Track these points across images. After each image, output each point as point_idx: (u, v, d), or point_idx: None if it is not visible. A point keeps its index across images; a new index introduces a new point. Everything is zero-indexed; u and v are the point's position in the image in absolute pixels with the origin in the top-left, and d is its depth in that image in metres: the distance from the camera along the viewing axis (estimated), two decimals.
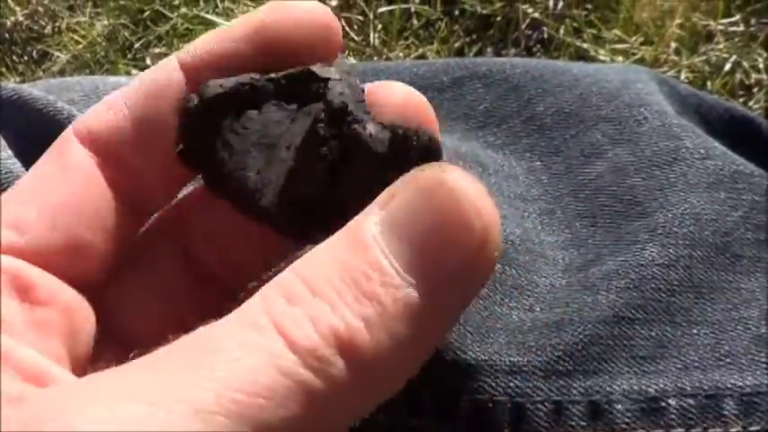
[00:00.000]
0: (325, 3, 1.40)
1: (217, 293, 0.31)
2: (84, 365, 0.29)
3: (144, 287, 0.32)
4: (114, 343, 0.31)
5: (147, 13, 1.50)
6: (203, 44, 0.31)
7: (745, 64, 1.20)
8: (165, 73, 0.31)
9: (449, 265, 0.23)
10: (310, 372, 0.22)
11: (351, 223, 0.25)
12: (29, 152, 0.42)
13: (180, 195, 0.34)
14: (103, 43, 1.50)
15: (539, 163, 0.46)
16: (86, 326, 0.30)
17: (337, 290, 0.23)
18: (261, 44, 0.31)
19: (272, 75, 0.30)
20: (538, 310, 0.39)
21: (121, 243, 0.31)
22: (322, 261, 0.24)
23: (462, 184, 0.24)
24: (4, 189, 0.40)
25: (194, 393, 0.21)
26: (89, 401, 0.22)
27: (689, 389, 0.37)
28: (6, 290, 0.28)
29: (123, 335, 0.31)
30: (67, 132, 0.31)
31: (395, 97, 0.31)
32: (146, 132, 0.30)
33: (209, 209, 0.32)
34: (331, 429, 0.23)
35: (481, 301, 0.39)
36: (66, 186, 0.30)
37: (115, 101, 0.31)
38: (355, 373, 0.22)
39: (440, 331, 0.24)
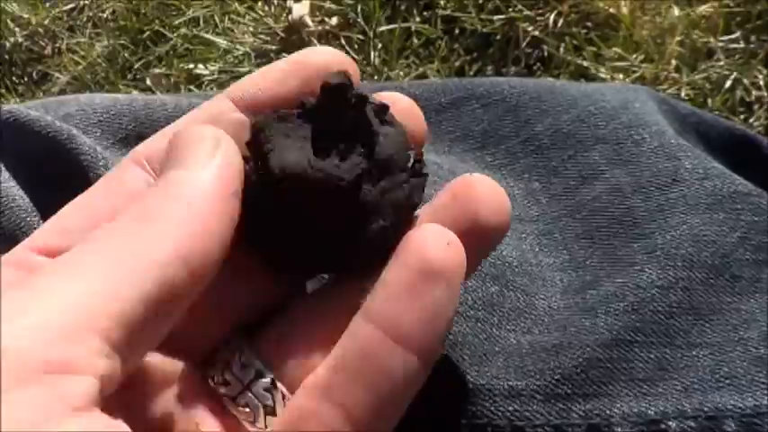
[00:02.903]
0: (324, 22, 1.41)
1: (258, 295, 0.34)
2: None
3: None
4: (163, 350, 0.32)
5: (146, 33, 1.50)
6: (251, 82, 0.34)
7: (746, 81, 1.20)
8: (217, 106, 0.33)
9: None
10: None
11: None
12: (28, 175, 0.42)
13: None
14: (103, 64, 1.50)
15: (537, 184, 0.46)
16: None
17: None
18: (300, 84, 0.33)
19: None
20: (536, 332, 0.39)
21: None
22: None
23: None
24: (4, 213, 0.40)
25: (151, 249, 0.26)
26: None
27: (689, 411, 0.37)
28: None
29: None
30: (125, 160, 0.33)
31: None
32: None
33: None
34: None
35: (479, 325, 0.39)
36: (115, 198, 0.32)
37: (170, 130, 0.32)
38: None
39: None
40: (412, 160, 0.32)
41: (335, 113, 0.31)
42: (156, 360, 0.31)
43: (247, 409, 0.31)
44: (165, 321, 0.27)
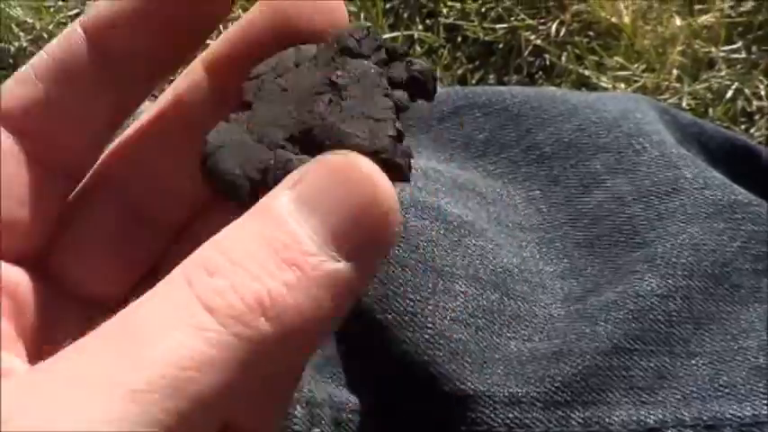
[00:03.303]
0: None
1: (156, 230, 0.32)
2: (37, 337, 0.30)
3: (90, 242, 0.32)
4: (76, 302, 0.31)
5: None
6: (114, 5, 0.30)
7: (747, 91, 1.20)
8: (67, 37, 0.30)
9: (361, 237, 0.25)
10: (236, 339, 0.23)
11: (261, 201, 0.25)
12: None
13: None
14: None
15: (538, 192, 0.46)
16: (31, 299, 0.30)
17: (257, 259, 0.24)
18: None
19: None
20: (536, 340, 0.39)
21: (55, 210, 0.31)
22: (239, 235, 0.25)
23: (372, 167, 0.25)
24: None
25: (127, 375, 0.22)
26: (29, 398, 0.22)
27: (688, 419, 0.37)
28: None
29: (82, 293, 0.31)
30: None
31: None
32: (53, 98, 0.30)
33: (135, 147, 0.32)
34: (256, 385, 0.24)
35: (479, 332, 0.39)
36: None
37: (25, 75, 0.30)
38: (278, 332, 0.23)
39: (354, 295, 0.25)
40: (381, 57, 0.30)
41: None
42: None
43: None
44: None
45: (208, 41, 0.32)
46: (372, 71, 0.29)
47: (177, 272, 0.24)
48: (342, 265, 0.24)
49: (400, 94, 0.29)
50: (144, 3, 0.29)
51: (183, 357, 0.22)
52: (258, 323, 0.23)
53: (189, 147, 0.30)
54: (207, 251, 0.24)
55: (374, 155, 0.27)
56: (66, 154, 0.30)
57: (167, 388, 0.22)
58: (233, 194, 0.28)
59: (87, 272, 0.31)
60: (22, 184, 0.29)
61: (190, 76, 0.32)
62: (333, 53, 0.29)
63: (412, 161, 0.28)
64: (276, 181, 0.27)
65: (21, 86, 0.30)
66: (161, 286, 0.24)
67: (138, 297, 0.25)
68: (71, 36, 0.30)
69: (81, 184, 0.32)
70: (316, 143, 0.28)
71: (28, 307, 0.30)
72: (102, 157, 0.32)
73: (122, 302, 0.30)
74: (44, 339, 0.29)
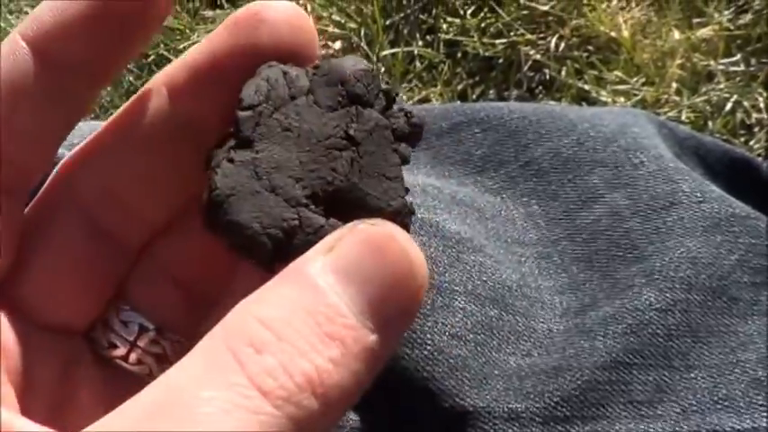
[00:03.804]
0: (328, 46, 1.41)
1: (119, 252, 0.31)
2: (15, 369, 0.29)
3: (51, 263, 0.30)
4: (44, 330, 0.30)
5: (151, 57, 1.51)
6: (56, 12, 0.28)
7: (746, 104, 1.20)
8: (11, 50, 0.28)
9: (396, 311, 0.25)
10: (288, 420, 0.23)
11: (296, 267, 0.25)
12: (29, 199, 0.42)
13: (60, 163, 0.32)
14: (108, 88, 1.51)
15: (536, 207, 0.46)
16: (9, 336, 0.29)
17: (302, 334, 0.24)
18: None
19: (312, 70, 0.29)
20: (536, 355, 0.39)
21: (16, 235, 0.30)
22: (278, 304, 0.24)
23: (408, 240, 0.25)
24: None
25: None
26: None
27: None
28: None
29: (48, 318, 0.30)
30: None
31: (280, 15, 0.30)
32: (7, 120, 0.28)
33: (95, 168, 0.31)
34: None
35: (479, 348, 0.39)
36: None
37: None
38: (324, 407, 0.23)
39: (383, 364, 0.25)
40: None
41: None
42: (43, 341, 0.30)
43: (142, 366, 0.31)
44: None
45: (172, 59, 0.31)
46: (381, 124, 0.28)
47: (221, 345, 0.24)
48: (377, 337, 0.24)
49: (404, 148, 0.29)
50: (86, 7, 0.28)
51: None
52: (308, 402, 0.23)
53: (147, 165, 0.30)
54: (250, 324, 0.24)
55: (393, 217, 0.27)
56: (18, 173, 0.29)
57: None
58: (254, 253, 0.27)
59: (52, 298, 0.31)
60: None
61: (150, 92, 0.31)
62: (338, 96, 0.28)
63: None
64: (306, 246, 0.26)
65: None
66: (208, 359, 0.24)
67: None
68: (14, 48, 0.28)
69: (38, 202, 0.31)
70: (342, 205, 0.27)
71: (7, 345, 0.29)
72: (58, 174, 0.32)
73: (90, 329, 0.30)
74: (23, 376, 0.29)
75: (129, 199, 0.31)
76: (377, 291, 0.25)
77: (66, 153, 0.42)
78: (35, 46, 0.28)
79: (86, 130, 0.45)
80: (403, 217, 0.27)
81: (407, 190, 0.28)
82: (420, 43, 1.40)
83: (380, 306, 0.24)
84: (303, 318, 0.24)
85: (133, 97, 0.30)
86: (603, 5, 1.32)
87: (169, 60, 1.49)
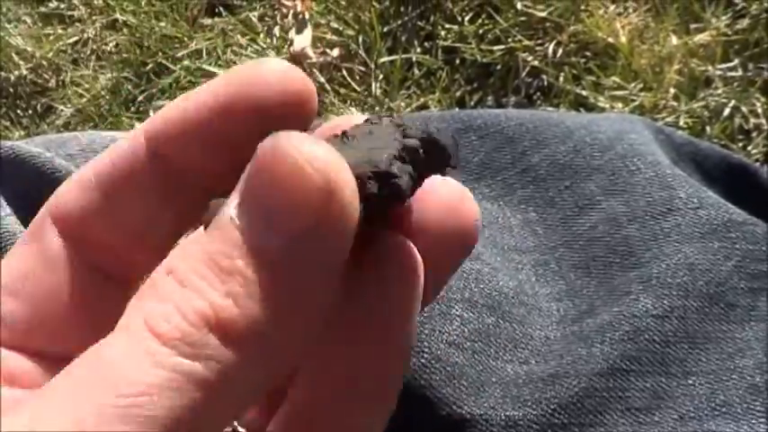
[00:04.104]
0: (326, 53, 1.42)
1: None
2: None
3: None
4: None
5: (150, 66, 1.51)
6: (168, 112, 0.29)
7: (744, 109, 1.20)
8: (130, 146, 0.29)
9: (297, 226, 0.23)
10: (187, 359, 0.22)
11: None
12: (27, 211, 0.42)
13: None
14: (107, 96, 1.51)
15: (533, 214, 0.46)
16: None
17: (202, 275, 0.23)
18: (230, 111, 0.28)
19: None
20: (533, 362, 0.39)
21: (93, 311, 0.30)
22: (189, 252, 0.24)
23: (293, 144, 0.23)
24: (4, 249, 0.41)
25: (78, 413, 0.22)
26: None
27: None
28: None
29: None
30: (43, 213, 0.30)
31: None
32: (114, 208, 0.29)
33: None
34: (231, 409, 0.23)
35: (476, 356, 0.39)
36: (44, 276, 0.29)
37: (84, 177, 0.29)
38: (237, 348, 0.23)
39: (314, 293, 0.24)
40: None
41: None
42: None
43: None
44: None
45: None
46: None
47: (133, 300, 0.24)
48: (284, 262, 0.23)
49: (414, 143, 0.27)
50: (204, 115, 0.28)
51: (132, 384, 0.22)
52: (207, 341, 0.22)
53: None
54: (159, 274, 0.24)
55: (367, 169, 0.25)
56: (120, 263, 0.29)
57: (118, 416, 0.21)
58: None
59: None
60: (72, 293, 0.29)
61: (131, 142, 0.30)
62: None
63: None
64: None
65: (81, 191, 0.29)
66: (121, 320, 0.24)
67: None
68: (134, 144, 0.29)
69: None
70: None
71: None
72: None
73: None
74: None
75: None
76: (270, 212, 0.23)
77: (61, 162, 0.42)
78: (151, 143, 0.28)
79: (84, 141, 0.45)
80: (386, 168, 0.25)
81: (404, 160, 0.26)
82: (418, 50, 1.40)
83: (279, 225, 0.23)
84: (205, 260, 0.23)
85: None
86: (601, 11, 1.32)
87: (167, 68, 1.50)
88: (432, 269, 0.27)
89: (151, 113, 1.44)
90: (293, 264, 0.23)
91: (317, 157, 0.23)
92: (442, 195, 0.28)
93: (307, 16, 1.47)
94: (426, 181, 0.27)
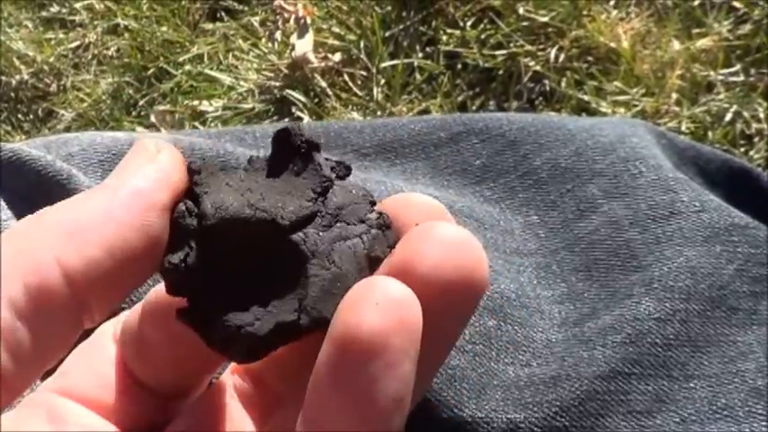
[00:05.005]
0: (327, 58, 1.42)
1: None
2: None
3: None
4: None
5: (151, 70, 1.51)
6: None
7: (746, 114, 1.20)
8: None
9: None
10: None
11: None
12: (28, 213, 0.42)
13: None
14: (108, 101, 1.51)
15: (535, 217, 0.46)
16: None
17: None
18: None
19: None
20: (534, 365, 0.39)
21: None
22: None
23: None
24: None
25: None
26: None
27: None
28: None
29: None
30: (107, 328, 0.30)
31: (417, 217, 0.26)
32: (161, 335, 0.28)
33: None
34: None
35: (477, 359, 0.39)
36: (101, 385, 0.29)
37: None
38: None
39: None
40: (375, 214, 0.27)
41: (285, 163, 0.27)
42: None
43: None
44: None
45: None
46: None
47: None
48: None
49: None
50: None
51: None
52: None
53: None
54: None
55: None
56: (163, 380, 0.29)
57: None
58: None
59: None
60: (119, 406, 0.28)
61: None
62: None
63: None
64: None
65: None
66: None
67: None
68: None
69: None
70: None
71: None
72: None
73: None
74: None
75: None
76: None
77: (62, 165, 0.42)
78: None
79: (85, 141, 0.45)
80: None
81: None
82: (420, 55, 1.40)
83: None
84: None
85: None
86: (603, 16, 1.32)
87: (169, 73, 1.50)
88: (431, 327, 0.22)
89: (152, 118, 1.45)
90: None
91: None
92: (443, 238, 0.24)
93: (308, 21, 1.47)
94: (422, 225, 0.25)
